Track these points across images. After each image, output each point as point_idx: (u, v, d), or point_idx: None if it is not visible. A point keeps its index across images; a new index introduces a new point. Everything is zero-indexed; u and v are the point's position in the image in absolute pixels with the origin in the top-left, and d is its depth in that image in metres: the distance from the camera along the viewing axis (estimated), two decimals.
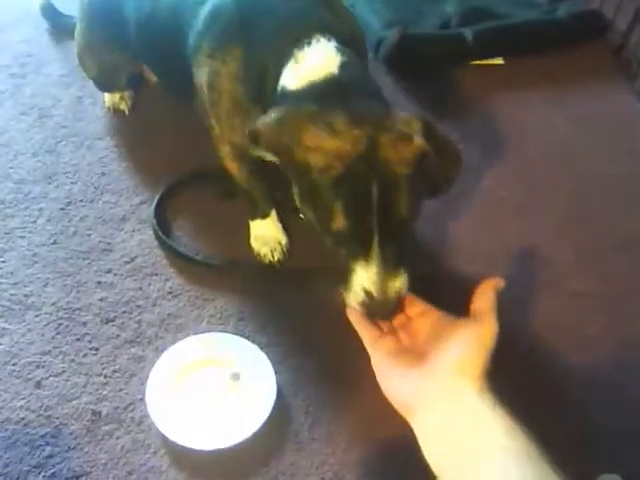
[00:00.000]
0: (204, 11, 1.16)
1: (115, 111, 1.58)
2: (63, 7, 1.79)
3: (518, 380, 1.12)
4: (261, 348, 1.15)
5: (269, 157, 0.99)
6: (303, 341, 1.19)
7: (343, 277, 0.98)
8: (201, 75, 1.17)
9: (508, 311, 1.17)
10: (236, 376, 1.13)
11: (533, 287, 1.29)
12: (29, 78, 1.66)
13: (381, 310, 0.97)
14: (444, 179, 1.03)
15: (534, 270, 1.32)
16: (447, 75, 1.73)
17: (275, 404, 1.08)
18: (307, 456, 1.06)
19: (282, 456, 1.06)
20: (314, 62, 1.03)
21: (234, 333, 1.18)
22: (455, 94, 1.69)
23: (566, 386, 1.15)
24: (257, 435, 1.05)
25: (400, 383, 0.88)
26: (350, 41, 1.10)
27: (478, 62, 1.77)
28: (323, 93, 1.00)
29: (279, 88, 1.05)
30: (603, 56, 1.79)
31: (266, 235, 1.31)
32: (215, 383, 1.12)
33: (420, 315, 0.96)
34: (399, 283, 0.97)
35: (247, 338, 1.17)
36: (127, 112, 1.58)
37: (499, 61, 1.78)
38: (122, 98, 1.57)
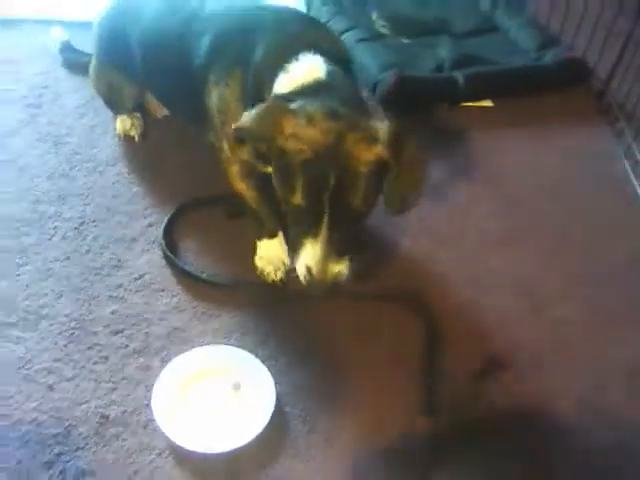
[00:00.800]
0: (205, 43, 1.29)
1: (125, 137, 1.67)
2: (80, 45, 1.90)
3: (503, 406, 1.20)
4: (262, 361, 1.22)
5: (257, 147, 1.13)
6: (303, 355, 1.26)
7: (294, 250, 1.12)
8: (211, 101, 1.30)
9: (494, 336, 1.27)
10: (237, 386, 1.19)
11: (516, 314, 1.36)
12: (45, 108, 1.76)
13: (315, 287, 1.10)
14: (410, 185, 1.14)
15: (518, 296, 1.39)
16: (440, 115, 1.83)
17: (274, 413, 1.14)
18: (303, 462, 1.12)
19: (279, 461, 1.12)
20: (303, 70, 1.18)
21: (237, 346, 1.25)
22: (447, 132, 1.79)
23: (550, 412, 1.21)
24: (257, 440, 1.11)
25: None
26: (337, 59, 1.23)
27: (469, 104, 1.88)
28: (310, 92, 1.15)
29: (272, 96, 1.19)
30: (586, 99, 1.92)
31: (271, 255, 1.38)
32: (217, 392, 1.19)
33: None
34: (338, 268, 1.10)
35: (249, 351, 1.23)
36: (137, 138, 1.67)
37: (488, 103, 1.89)
38: (132, 125, 1.67)
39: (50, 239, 1.43)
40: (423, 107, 1.84)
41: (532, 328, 1.34)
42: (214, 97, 1.29)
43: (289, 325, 1.30)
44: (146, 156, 1.65)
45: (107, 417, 1.15)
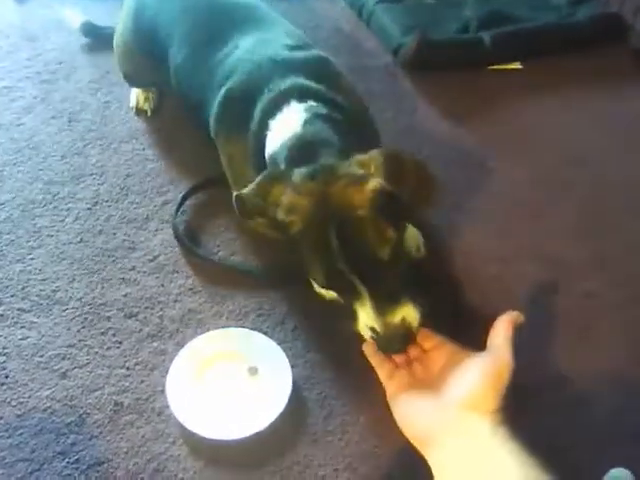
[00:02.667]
0: (220, 95, 1.25)
1: (138, 111, 1.64)
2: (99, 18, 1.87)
3: (531, 378, 1.14)
4: (279, 343, 1.18)
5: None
6: (320, 337, 1.22)
7: (352, 319, 1.02)
8: (222, 156, 1.28)
9: (522, 310, 1.20)
10: (253, 370, 1.16)
11: (547, 286, 1.30)
12: (59, 84, 1.72)
13: (390, 344, 1.00)
14: (422, 200, 1.06)
15: (548, 271, 1.33)
16: (466, 79, 1.75)
17: (291, 397, 1.10)
18: (321, 447, 1.09)
19: (296, 447, 1.09)
20: (282, 125, 1.12)
21: (252, 329, 1.21)
22: (473, 98, 1.71)
23: (579, 388, 1.16)
24: (273, 427, 1.08)
25: (415, 416, 0.90)
26: (333, 104, 1.15)
27: (496, 66, 1.79)
28: (290, 151, 1.08)
29: (267, 157, 1.13)
30: (623, 58, 1.80)
31: None
32: (233, 376, 1.16)
33: (435, 348, 0.98)
34: (402, 314, 0.99)
35: (265, 334, 1.20)
36: (149, 113, 1.63)
37: (517, 65, 1.79)
38: (146, 99, 1.63)
39: (63, 221, 1.40)
40: (448, 71, 1.75)
41: (558, 302, 1.28)
42: (223, 152, 1.28)
43: (306, 307, 1.26)
44: (162, 132, 1.61)
45: (121, 404, 1.13)
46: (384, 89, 1.73)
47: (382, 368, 1.00)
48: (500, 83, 1.74)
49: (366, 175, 0.98)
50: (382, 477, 1.06)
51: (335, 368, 1.18)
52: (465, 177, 1.50)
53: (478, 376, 0.86)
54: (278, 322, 1.24)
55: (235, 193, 1.06)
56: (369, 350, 1.04)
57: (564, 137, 1.61)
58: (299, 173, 1.01)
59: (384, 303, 0.98)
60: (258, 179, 1.05)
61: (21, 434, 1.09)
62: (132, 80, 1.63)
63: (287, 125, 1.11)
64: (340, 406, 1.13)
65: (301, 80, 1.18)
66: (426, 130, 1.63)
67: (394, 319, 0.99)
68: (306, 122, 1.10)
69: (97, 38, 1.82)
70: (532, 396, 1.11)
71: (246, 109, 1.19)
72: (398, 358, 1.01)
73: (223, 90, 1.25)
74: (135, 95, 1.65)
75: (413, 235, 1.32)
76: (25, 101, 1.67)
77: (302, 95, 1.15)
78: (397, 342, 0.99)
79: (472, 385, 0.86)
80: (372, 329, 1.00)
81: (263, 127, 1.15)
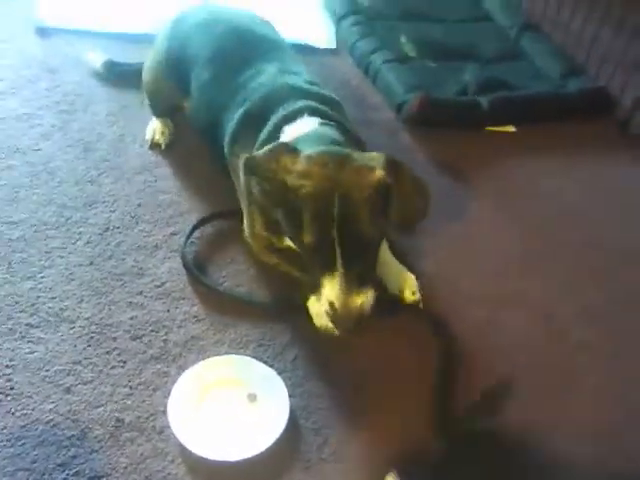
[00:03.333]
0: (239, 113, 1.38)
1: (153, 145, 1.71)
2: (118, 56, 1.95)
3: (517, 427, 1.20)
4: (278, 373, 1.23)
5: (262, 184, 1.18)
6: (318, 369, 1.27)
7: (315, 290, 1.15)
8: (236, 177, 1.37)
9: (510, 357, 1.28)
10: (252, 397, 1.20)
11: (535, 335, 1.37)
12: (77, 115, 1.80)
13: (342, 322, 1.12)
14: (414, 212, 1.21)
15: (536, 319, 1.40)
16: (463, 138, 1.84)
17: (287, 425, 1.15)
18: (315, 475, 1.12)
19: (291, 473, 1.12)
20: (297, 128, 1.27)
21: (253, 357, 1.26)
22: (470, 156, 1.80)
23: (565, 437, 1.21)
24: (269, 452, 1.11)
25: None
26: (340, 126, 1.32)
27: (492, 128, 1.89)
28: (306, 139, 1.23)
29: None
30: (610, 129, 1.92)
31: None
32: (233, 402, 1.20)
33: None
34: (361, 300, 1.12)
35: (265, 363, 1.25)
36: (163, 146, 1.71)
37: (511, 128, 1.90)
38: (162, 133, 1.71)
39: (74, 243, 1.45)
40: (447, 130, 1.85)
41: (550, 351, 1.34)
42: (235, 171, 1.37)
43: (306, 339, 1.31)
44: (173, 166, 1.67)
45: (122, 421, 1.16)
46: (385, 142, 1.81)
47: None
48: (495, 144, 1.84)
49: (374, 166, 1.13)
50: None
51: (333, 399, 1.22)
52: (461, 229, 1.58)
53: None
54: (278, 352, 1.29)
55: (247, 156, 1.19)
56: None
57: (556, 197, 1.70)
58: (316, 149, 1.16)
59: (351, 284, 1.11)
60: (270, 146, 1.19)
61: (23, 444, 1.11)
62: (155, 104, 1.72)
63: (302, 127, 1.26)
64: (335, 435, 1.17)
65: (314, 103, 1.33)
66: None
67: (354, 301, 1.12)
68: (321, 124, 1.28)
69: (118, 75, 1.90)
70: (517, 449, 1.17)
71: (259, 126, 1.31)
72: None
73: (242, 109, 1.37)
74: (152, 129, 1.72)
75: (409, 279, 1.39)
76: (43, 128, 1.74)
77: (314, 113, 1.31)
78: (348, 322, 1.12)
79: None
80: (331, 304, 1.12)
81: (275, 132, 1.28)
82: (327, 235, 1.10)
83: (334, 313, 1.12)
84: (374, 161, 1.15)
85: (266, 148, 1.20)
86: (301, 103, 1.33)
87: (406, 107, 1.86)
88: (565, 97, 1.96)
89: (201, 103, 1.53)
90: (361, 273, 1.13)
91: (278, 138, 1.27)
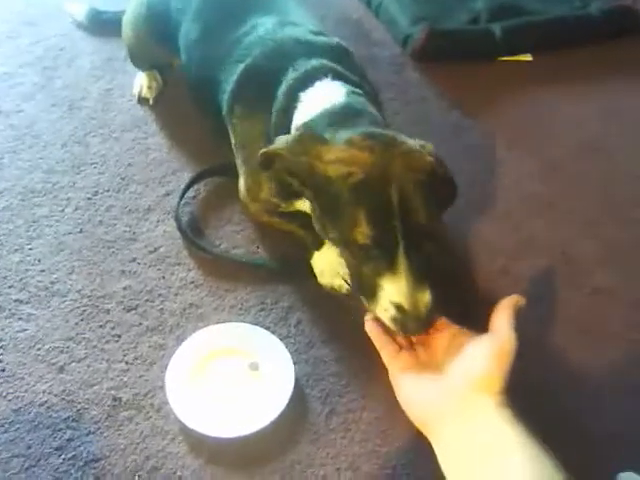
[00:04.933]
0: (238, 71, 1.23)
1: (141, 100, 1.61)
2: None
3: (534, 378, 1.12)
4: (281, 339, 1.16)
5: (285, 178, 1.04)
6: (323, 333, 1.20)
7: (369, 296, 0.98)
8: (235, 136, 1.26)
9: (529, 305, 1.18)
10: (255, 366, 1.13)
11: (555, 282, 1.28)
12: (60, 71, 1.69)
13: (414, 324, 0.95)
14: (445, 201, 1.07)
15: (557, 265, 1.30)
16: (475, 70, 1.71)
17: (293, 394, 1.08)
18: (323, 446, 1.06)
19: (298, 446, 1.06)
20: (318, 96, 1.10)
21: (254, 324, 1.19)
22: (483, 89, 1.68)
23: (583, 386, 1.14)
24: (274, 424, 1.05)
25: (418, 398, 0.89)
26: (357, 85, 1.16)
27: (507, 58, 1.76)
28: (335, 117, 1.06)
29: (295, 128, 1.11)
30: (635, 52, 1.77)
31: (332, 265, 1.23)
32: (234, 372, 1.13)
33: (437, 330, 0.96)
34: (428, 296, 0.96)
35: (267, 329, 1.18)
36: (152, 101, 1.60)
37: (528, 57, 1.76)
38: (150, 87, 1.60)
39: (62, 210, 1.37)
40: (457, 62, 1.72)
41: (568, 297, 1.26)
42: (237, 130, 1.25)
43: (310, 301, 1.23)
44: (164, 121, 1.57)
45: (119, 400, 1.10)
46: (392, 79, 1.70)
47: (386, 349, 0.97)
48: (510, 75, 1.71)
49: (422, 151, 1.00)
50: (385, 476, 1.03)
51: (339, 366, 1.16)
52: (473, 169, 1.48)
53: (482, 357, 0.85)
54: (280, 317, 1.22)
55: (264, 151, 1.03)
56: (374, 332, 0.99)
57: (575, 129, 1.58)
58: (353, 133, 0.99)
59: (417, 280, 0.95)
60: (293, 137, 1.04)
61: (17, 429, 1.06)
62: (139, 61, 1.61)
63: (325, 96, 1.10)
64: (343, 404, 1.11)
65: (328, 62, 1.17)
66: (434, 121, 1.60)
67: (423, 299, 0.95)
68: (349, 93, 1.10)
69: (102, 24, 1.78)
70: (534, 392, 1.09)
71: (267, 86, 1.17)
72: (402, 340, 0.98)
73: (241, 66, 1.23)
74: (138, 83, 1.62)
75: None
76: (25, 88, 1.64)
77: (334, 75, 1.14)
78: (422, 323, 0.95)
79: (476, 366, 0.84)
80: (397, 306, 0.94)
81: (291, 101, 1.13)
82: (388, 227, 0.93)
83: (404, 316, 0.94)
84: (423, 147, 1.01)
85: (286, 139, 1.04)
86: (314, 62, 1.17)
87: (412, 41, 1.73)
88: (586, 19, 1.80)
89: (191, 62, 1.39)
90: (422, 267, 0.97)
91: (295, 108, 1.12)
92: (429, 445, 0.85)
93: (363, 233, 0.94)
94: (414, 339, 0.98)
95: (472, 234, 1.36)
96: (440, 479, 0.81)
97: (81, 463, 1.03)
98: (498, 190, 1.44)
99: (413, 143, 1.01)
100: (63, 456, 1.04)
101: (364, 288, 0.99)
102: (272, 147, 1.03)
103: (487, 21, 1.78)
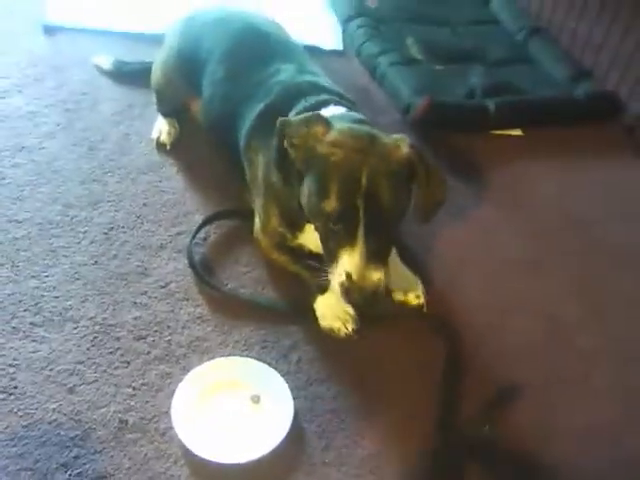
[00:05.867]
0: (259, 108, 1.40)
1: (158, 145, 1.70)
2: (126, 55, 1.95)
3: (521, 432, 1.19)
4: (282, 375, 1.22)
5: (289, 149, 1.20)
6: (322, 372, 1.26)
7: (331, 263, 1.16)
8: (251, 170, 1.41)
9: (515, 361, 1.27)
10: (256, 398, 1.20)
11: (539, 340, 1.36)
12: (82, 114, 1.79)
13: (358, 295, 1.13)
14: (433, 196, 1.22)
15: (541, 324, 1.39)
16: (469, 141, 1.84)
17: (291, 427, 1.14)
18: (318, 478, 1.11)
19: (294, 476, 1.12)
20: (328, 111, 1.30)
21: (257, 359, 1.25)
22: (476, 160, 1.80)
23: (567, 442, 1.21)
24: (273, 454, 1.11)
25: None
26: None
27: (499, 132, 1.89)
28: (336, 118, 1.25)
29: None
30: (617, 134, 1.91)
31: (333, 308, 1.32)
32: (236, 403, 1.19)
33: None
34: (379, 275, 1.13)
35: (269, 365, 1.24)
36: (169, 147, 1.70)
37: (518, 132, 1.89)
38: (168, 133, 1.71)
39: (79, 243, 1.45)
40: (453, 132, 1.85)
41: (553, 356, 1.34)
42: (253, 163, 1.40)
43: (311, 341, 1.31)
44: (178, 166, 1.67)
45: (126, 422, 1.16)
46: None
47: None
48: (502, 147, 1.84)
49: (401, 145, 1.18)
50: None
51: (336, 402, 1.22)
52: (464, 232, 1.58)
53: None
54: (282, 355, 1.28)
55: (282, 119, 1.21)
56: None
57: (563, 200, 1.70)
58: (348, 123, 1.22)
59: (370, 257, 1.12)
60: (306, 115, 1.23)
61: (26, 444, 1.11)
62: (164, 103, 1.73)
63: (331, 111, 1.30)
64: (339, 439, 1.17)
65: (336, 97, 1.38)
66: None
67: (371, 275, 1.12)
68: (349, 109, 1.34)
69: (128, 73, 1.90)
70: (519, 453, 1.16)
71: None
72: None
73: (261, 104, 1.39)
74: (158, 128, 1.72)
75: (414, 283, 1.39)
76: (48, 127, 1.73)
77: (339, 103, 1.35)
78: (364, 294, 1.13)
79: None
80: (348, 275, 1.12)
81: None
82: (352, 203, 1.12)
83: (350, 284, 1.13)
84: (400, 141, 1.19)
85: (302, 115, 1.24)
86: (325, 96, 1.37)
87: (412, 110, 1.85)
88: (573, 101, 1.95)
89: (215, 98, 1.52)
90: (379, 250, 1.14)
91: None
92: None
93: (331, 205, 1.13)
94: None
95: (460, 292, 1.44)
96: None
97: None
98: (485, 253, 1.54)
99: (394, 139, 1.19)
100: (69, 472, 1.08)
101: (329, 256, 1.18)
102: (287, 118, 1.23)
103: (482, 96, 1.92)
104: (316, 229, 1.22)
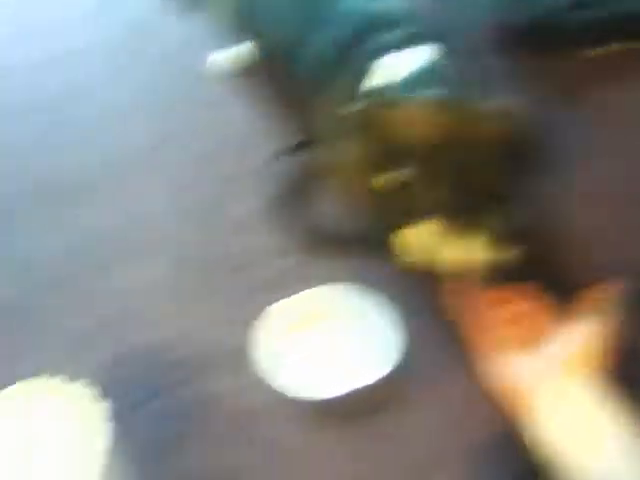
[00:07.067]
0: (327, 38, 1.26)
1: (225, 74, 1.65)
2: None
3: None
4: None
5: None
6: (425, 302, 1.18)
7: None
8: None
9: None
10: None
11: None
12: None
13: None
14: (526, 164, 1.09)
15: None
16: (563, 62, 1.66)
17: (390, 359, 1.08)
18: (414, 412, 1.07)
19: (389, 411, 1.07)
20: (404, 59, 1.15)
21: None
22: (571, 82, 1.63)
23: None
24: (368, 388, 1.06)
25: (518, 368, 0.93)
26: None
27: (597, 49, 1.71)
28: (413, 80, 1.11)
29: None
30: None
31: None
32: (325, 337, 1.13)
33: (540, 307, 1.02)
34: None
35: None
36: (235, 76, 1.64)
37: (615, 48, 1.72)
38: (236, 61, 1.66)
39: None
40: (544, 52, 1.68)
41: None
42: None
43: (401, 274, 1.21)
44: (248, 97, 1.61)
45: (208, 356, 1.15)
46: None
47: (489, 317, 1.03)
48: (600, 67, 1.65)
49: (496, 115, 1.04)
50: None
51: (441, 336, 1.13)
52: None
53: (585, 335, 0.91)
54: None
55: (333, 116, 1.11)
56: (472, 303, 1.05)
57: None
58: (427, 92, 1.07)
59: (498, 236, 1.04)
60: (362, 102, 1.10)
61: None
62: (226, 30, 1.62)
63: (408, 61, 1.16)
64: (438, 375, 1.10)
65: (414, 30, 1.22)
66: None
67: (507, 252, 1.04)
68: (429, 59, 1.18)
69: None
70: None
71: (352, 54, 1.20)
72: (505, 312, 1.03)
73: (329, 35, 1.25)
74: (223, 57, 1.67)
75: None
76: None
77: (418, 41, 1.19)
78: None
79: (580, 343, 0.91)
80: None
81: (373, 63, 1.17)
82: (455, 187, 1.01)
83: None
84: (500, 107, 1.05)
85: (360, 102, 1.10)
86: (400, 31, 1.21)
87: (492, 28, 1.72)
88: None
89: (277, 22, 1.41)
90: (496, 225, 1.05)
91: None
92: None
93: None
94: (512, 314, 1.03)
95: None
96: None
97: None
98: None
99: (497, 105, 1.04)
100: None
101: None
102: (341, 113, 1.10)
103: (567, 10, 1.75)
104: None
